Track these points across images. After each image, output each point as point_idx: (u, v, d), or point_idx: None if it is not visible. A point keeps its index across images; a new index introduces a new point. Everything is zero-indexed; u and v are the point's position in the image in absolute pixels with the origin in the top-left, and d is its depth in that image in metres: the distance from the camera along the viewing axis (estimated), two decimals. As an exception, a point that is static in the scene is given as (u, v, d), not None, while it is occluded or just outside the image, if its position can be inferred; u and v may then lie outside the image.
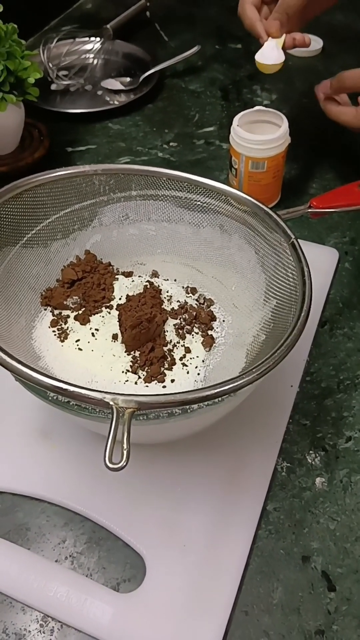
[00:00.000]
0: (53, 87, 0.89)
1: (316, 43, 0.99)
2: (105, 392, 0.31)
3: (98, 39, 0.96)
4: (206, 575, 0.41)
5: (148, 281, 0.49)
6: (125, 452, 0.29)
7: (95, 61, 0.94)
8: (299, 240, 0.45)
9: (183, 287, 0.51)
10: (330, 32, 1.02)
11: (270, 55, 0.62)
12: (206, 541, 0.43)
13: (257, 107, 0.65)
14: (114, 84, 0.89)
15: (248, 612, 0.41)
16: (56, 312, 0.47)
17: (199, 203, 0.50)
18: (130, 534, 0.43)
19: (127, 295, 0.47)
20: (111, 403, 0.31)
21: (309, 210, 0.50)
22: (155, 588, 0.41)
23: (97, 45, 0.95)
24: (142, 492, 0.45)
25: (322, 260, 0.64)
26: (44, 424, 0.49)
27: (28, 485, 0.45)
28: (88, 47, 0.95)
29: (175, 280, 0.52)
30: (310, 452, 0.49)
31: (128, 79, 0.90)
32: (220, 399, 0.34)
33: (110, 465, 0.29)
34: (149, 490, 0.45)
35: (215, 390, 0.33)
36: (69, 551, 0.44)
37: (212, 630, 0.39)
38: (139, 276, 0.51)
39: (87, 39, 0.96)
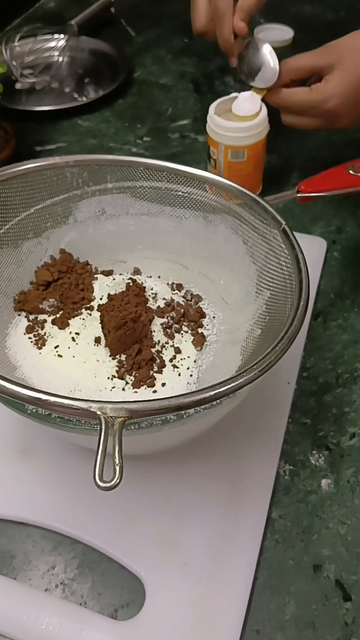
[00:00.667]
0: (18, 86, 0.85)
1: (286, 33, 0.97)
2: (91, 401, 0.28)
3: (62, 35, 0.92)
4: (212, 595, 0.38)
5: (130, 278, 0.45)
6: (117, 468, 0.26)
7: (61, 58, 0.91)
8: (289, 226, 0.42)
9: (168, 284, 0.48)
10: (300, 22, 1.00)
11: (243, 106, 0.61)
12: (209, 557, 0.39)
13: (233, 94, 0.62)
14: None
15: (260, 630, 0.38)
16: (31, 317, 0.43)
17: (180, 193, 0.47)
18: (125, 555, 0.40)
19: (109, 295, 0.43)
20: (98, 413, 0.27)
21: (297, 195, 0.47)
22: (157, 612, 0.37)
23: (62, 42, 0.91)
24: (136, 508, 0.41)
25: (309, 251, 0.60)
26: (25, 440, 0.45)
27: (10, 508, 0.42)
28: (52, 44, 0.91)
29: (159, 277, 0.49)
30: (313, 452, 0.46)
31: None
32: (218, 401, 0.30)
33: (102, 484, 0.25)
34: (143, 506, 0.41)
35: (214, 392, 0.29)
36: (60, 578, 0.40)
37: (222, 655, 0.36)
38: (120, 274, 0.48)
39: (50, 36, 0.92)
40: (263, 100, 0.61)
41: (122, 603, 0.39)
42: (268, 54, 0.60)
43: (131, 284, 0.44)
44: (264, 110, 0.60)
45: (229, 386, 0.30)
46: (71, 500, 0.42)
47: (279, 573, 0.40)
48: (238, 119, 0.61)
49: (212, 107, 0.61)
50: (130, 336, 0.40)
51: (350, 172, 0.48)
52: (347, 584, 0.40)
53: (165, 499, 0.42)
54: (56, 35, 0.92)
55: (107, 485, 0.25)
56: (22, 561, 0.40)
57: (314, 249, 0.61)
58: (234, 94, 0.62)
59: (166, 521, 0.41)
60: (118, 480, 0.26)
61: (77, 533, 0.40)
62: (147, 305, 0.43)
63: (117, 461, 0.26)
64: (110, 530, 0.40)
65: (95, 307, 0.43)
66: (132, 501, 0.42)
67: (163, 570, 0.39)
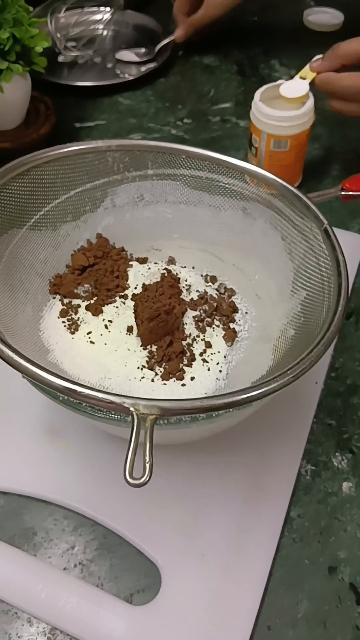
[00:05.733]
0: (60, 58, 0.84)
1: (336, 18, 0.94)
2: (124, 396, 0.28)
3: (108, 9, 0.90)
4: (227, 587, 0.39)
5: (166, 269, 0.45)
6: (147, 466, 0.26)
7: (105, 32, 0.89)
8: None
9: (202, 276, 0.47)
10: (351, 6, 0.96)
11: (290, 88, 0.59)
12: (226, 550, 0.40)
13: (280, 81, 0.61)
14: (128, 55, 0.84)
15: (271, 626, 0.38)
16: (66, 300, 0.44)
17: (220, 184, 0.46)
18: (144, 542, 0.40)
19: (143, 284, 0.43)
20: (132, 409, 0.28)
21: (341, 193, 0.46)
22: (172, 600, 0.38)
23: (107, 16, 0.90)
24: (157, 496, 0.42)
25: (346, 247, 0.59)
26: (53, 421, 0.45)
27: (35, 486, 0.42)
28: (97, 17, 0.90)
29: (193, 267, 0.48)
30: (337, 454, 0.46)
31: (143, 50, 0.84)
32: (250, 404, 0.30)
33: (131, 481, 0.26)
34: (164, 494, 0.42)
35: (246, 395, 0.29)
36: (79, 558, 0.41)
37: (233, 648, 0.36)
38: (155, 263, 0.47)
39: (96, 8, 0.90)
40: (311, 84, 0.59)
41: (138, 588, 0.40)
42: None
43: (166, 275, 0.44)
44: (311, 100, 0.59)
45: (262, 390, 0.30)
46: (95, 483, 0.42)
47: (294, 571, 0.40)
48: (285, 104, 0.59)
49: (258, 94, 0.60)
50: (163, 328, 0.40)
51: None
52: (362, 588, 0.40)
53: (186, 489, 0.42)
54: (102, 8, 0.90)
55: (137, 482, 0.26)
56: (43, 539, 0.41)
57: (350, 245, 0.60)
58: (280, 81, 0.61)
59: (186, 511, 0.41)
60: (147, 478, 0.26)
61: (99, 515, 0.41)
62: (181, 297, 0.43)
63: (147, 459, 0.26)
64: (130, 515, 0.41)
65: (130, 296, 0.43)
66: (155, 489, 0.42)
67: (180, 559, 0.39)
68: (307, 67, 0.61)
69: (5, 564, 0.39)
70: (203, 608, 0.38)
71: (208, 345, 0.42)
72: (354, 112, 0.59)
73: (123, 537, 0.41)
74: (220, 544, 0.40)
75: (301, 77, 0.60)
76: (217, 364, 0.41)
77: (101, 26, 0.89)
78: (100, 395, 0.28)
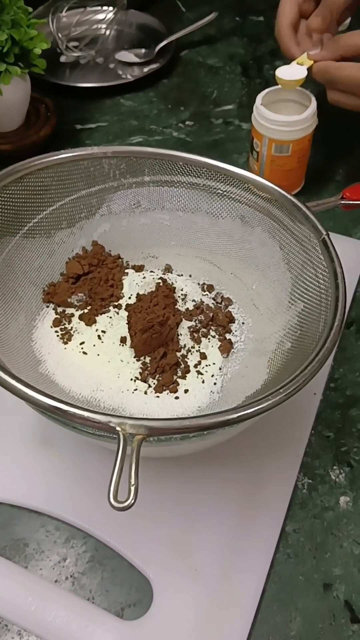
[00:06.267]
0: (62, 59, 0.83)
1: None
2: (111, 415, 0.27)
3: (111, 8, 0.89)
4: (219, 603, 0.38)
5: (161, 278, 0.44)
6: (133, 489, 0.25)
7: (108, 32, 0.88)
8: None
9: (199, 284, 0.47)
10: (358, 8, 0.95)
11: (290, 71, 0.58)
12: (219, 565, 0.39)
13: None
14: (127, 56, 0.83)
15: (263, 644, 0.38)
16: (59, 309, 0.43)
17: (218, 191, 0.46)
18: (136, 555, 0.40)
19: (138, 294, 0.42)
20: (118, 429, 0.27)
21: (341, 202, 0.45)
22: (163, 616, 0.37)
23: (110, 15, 0.89)
24: (150, 509, 0.41)
25: (348, 255, 0.58)
26: (45, 430, 0.45)
27: (27, 496, 0.42)
28: (100, 16, 0.89)
29: (190, 275, 0.48)
30: (334, 467, 0.45)
31: (143, 51, 0.84)
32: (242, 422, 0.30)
33: (115, 504, 0.25)
34: (158, 508, 0.41)
35: (237, 415, 0.29)
36: (70, 571, 0.40)
37: (224, 666, 0.36)
38: (151, 271, 0.47)
39: (99, 8, 0.89)
40: (309, 70, 0.58)
41: (130, 602, 0.39)
42: None
43: (161, 284, 0.43)
44: (314, 104, 0.58)
45: (253, 409, 0.29)
46: (87, 494, 0.42)
47: (288, 588, 0.40)
48: (287, 108, 0.58)
49: (260, 98, 0.59)
50: (157, 339, 0.39)
51: None
52: (357, 605, 0.39)
53: (180, 502, 0.42)
54: (105, 7, 0.89)
55: (121, 505, 0.25)
56: (34, 550, 0.41)
57: (353, 253, 0.59)
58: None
59: (179, 525, 0.41)
60: (132, 501, 0.25)
61: (91, 528, 0.41)
62: (176, 307, 0.43)
63: (132, 482, 0.26)
64: (123, 528, 0.40)
65: (124, 306, 0.43)
66: (147, 502, 0.41)
67: (172, 574, 0.39)
68: (305, 54, 0.59)
69: (-4, 576, 0.39)
70: (195, 624, 0.37)
71: (203, 356, 0.41)
72: (352, 106, 0.56)
73: (115, 550, 0.40)
74: (213, 559, 0.40)
75: (298, 64, 0.58)
76: (212, 376, 0.40)
77: (104, 26, 0.88)
78: (86, 414, 0.27)
